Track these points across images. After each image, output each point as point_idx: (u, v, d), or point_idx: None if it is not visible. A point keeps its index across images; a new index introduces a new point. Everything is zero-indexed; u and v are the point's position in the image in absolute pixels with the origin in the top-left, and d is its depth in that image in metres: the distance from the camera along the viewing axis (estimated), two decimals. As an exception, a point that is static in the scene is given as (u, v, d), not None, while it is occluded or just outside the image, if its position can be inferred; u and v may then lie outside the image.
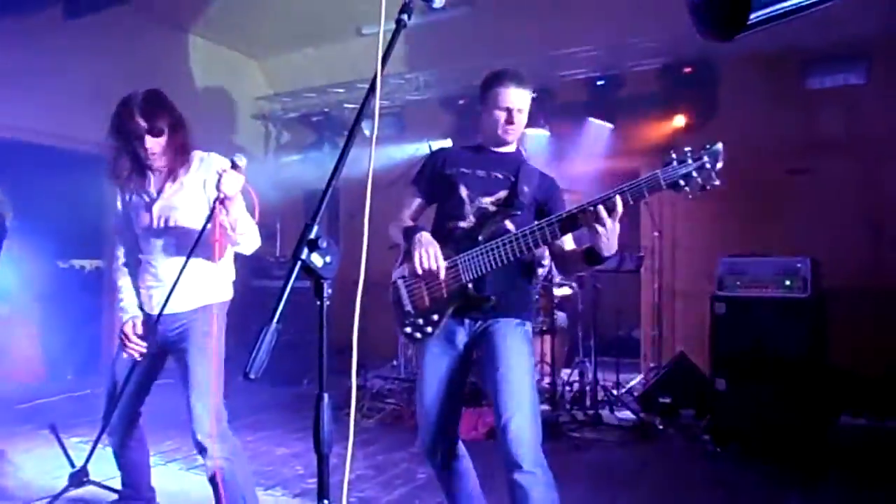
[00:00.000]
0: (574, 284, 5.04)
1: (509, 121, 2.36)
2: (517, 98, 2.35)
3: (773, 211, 4.99)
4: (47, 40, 5.39)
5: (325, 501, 1.23)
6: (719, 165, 2.05)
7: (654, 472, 3.82)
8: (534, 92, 2.43)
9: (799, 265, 4.10)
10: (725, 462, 3.95)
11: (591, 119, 5.72)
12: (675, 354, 5.34)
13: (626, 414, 4.87)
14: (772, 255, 4.23)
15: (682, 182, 2.05)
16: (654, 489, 3.51)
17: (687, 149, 2.08)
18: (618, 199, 2.05)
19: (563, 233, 2.19)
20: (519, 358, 2.27)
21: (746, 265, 4.26)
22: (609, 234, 2.07)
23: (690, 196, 2.08)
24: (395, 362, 5.48)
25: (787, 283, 4.10)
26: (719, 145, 2.06)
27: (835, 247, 4.60)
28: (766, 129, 5.15)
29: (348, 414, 1.45)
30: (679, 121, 5.47)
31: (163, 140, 2.50)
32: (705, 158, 2.04)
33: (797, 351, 3.96)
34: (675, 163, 2.06)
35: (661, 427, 4.62)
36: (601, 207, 2.05)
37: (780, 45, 5.07)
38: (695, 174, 2.04)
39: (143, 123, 2.44)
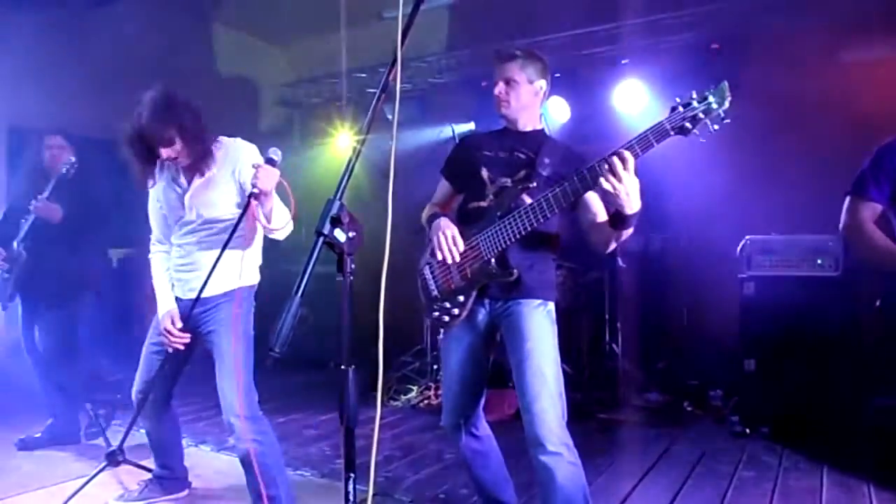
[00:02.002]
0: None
1: (495, 93, 2.43)
2: (500, 71, 2.42)
3: (803, 188, 4.88)
4: (72, 32, 5.46)
5: (352, 475, 1.25)
6: (727, 104, 2.00)
7: (681, 451, 3.80)
8: (531, 59, 2.43)
9: (830, 243, 4.03)
10: (755, 443, 3.91)
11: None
12: (703, 335, 5.28)
13: (654, 395, 4.85)
14: (802, 234, 4.15)
15: (688, 125, 2.01)
16: (682, 469, 3.50)
17: (692, 92, 2.04)
18: (627, 154, 2.00)
19: (576, 195, 2.16)
20: (542, 339, 2.28)
21: (775, 244, 4.19)
22: (627, 190, 2.01)
23: (702, 140, 2.03)
24: (421, 345, 5.51)
25: (818, 261, 4.03)
26: (724, 84, 2.01)
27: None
28: (797, 103, 5.03)
29: (376, 396, 1.46)
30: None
31: (176, 146, 2.51)
32: (710, 99, 2.00)
33: (829, 330, 3.90)
34: (680, 108, 2.03)
35: (689, 408, 4.59)
36: (613, 160, 2.00)
37: (811, 18, 4.94)
38: (701, 115, 2.00)
39: (151, 140, 2.46)
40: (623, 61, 5.71)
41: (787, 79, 5.09)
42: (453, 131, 5.54)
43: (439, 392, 4.88)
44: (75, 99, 5.54)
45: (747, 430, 4.05)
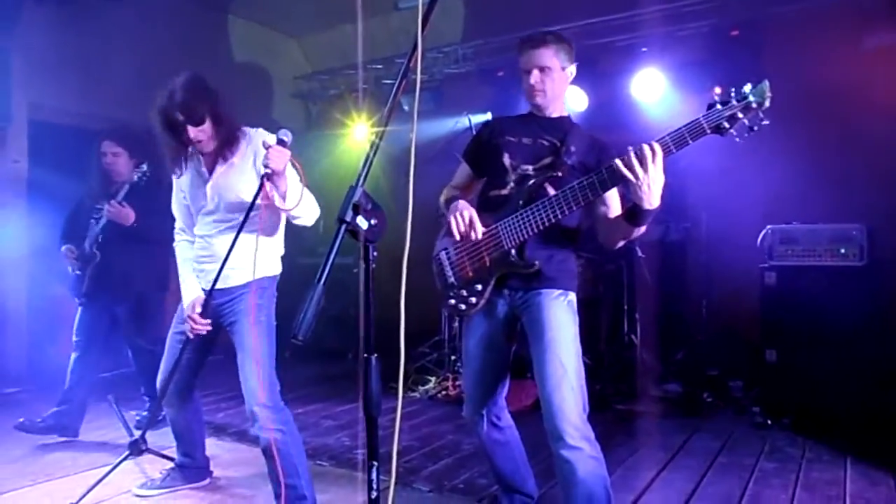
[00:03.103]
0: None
1: (530, 82, 2.32)
2: (536, 58, 2.30)
3: (826, 176, 4.80)
4: (88, 26, 5.50)
5: (374, 463, 1.25)
6: (767, 104, 1.92)
7: (702, 443, 3.77)
8: (562, 44, 2.33)
9: (854, 232, 3.96)
10: (777, 434, 3.87)
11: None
12: (723, 325, 5.24)
13: (673, 386, 4.81)
14: (825, 223, 4.08)
15: (726, 124, 1.94)
16: (703, 460, 3.47)
17: (731, 88, 1.97)
18: (656, 146, 1.95)
19: (604, 188, 2.10)
20: (562, 329, 2.24)
21: (798, 233, 4.13)
22: (650, 183, 1.95)
23: (738, 139, 1.96)
24: (439, 337, 5.51)
25: (842, 250, 3.97)
26: (766, 82, 1.93)
27: (893, 212, 4.41)
28: (819, 90, 4.95)
29: (394, 387, 1.46)
30: (727, 84, 5.27)
31: (206, 127, 2.53)
32: (751, 98, 1.92)
33: (852, 321, 3.83)
34: (718, 105, 1.95)
35: (709, 399, 4.55)
36: (644, 150, 1.95)
37: (833, 2, 4.85)
38: (740, 115, 1.93)
39: (181, 117, 2.47)
40: (642, 49, 5.64)
41: (809, 65, 5.00)
42: (470, 122, 5.51)
43: (457, 383, 4.88)
44: (92, 91, 5.60)
45: (769, 421, 4.01)
